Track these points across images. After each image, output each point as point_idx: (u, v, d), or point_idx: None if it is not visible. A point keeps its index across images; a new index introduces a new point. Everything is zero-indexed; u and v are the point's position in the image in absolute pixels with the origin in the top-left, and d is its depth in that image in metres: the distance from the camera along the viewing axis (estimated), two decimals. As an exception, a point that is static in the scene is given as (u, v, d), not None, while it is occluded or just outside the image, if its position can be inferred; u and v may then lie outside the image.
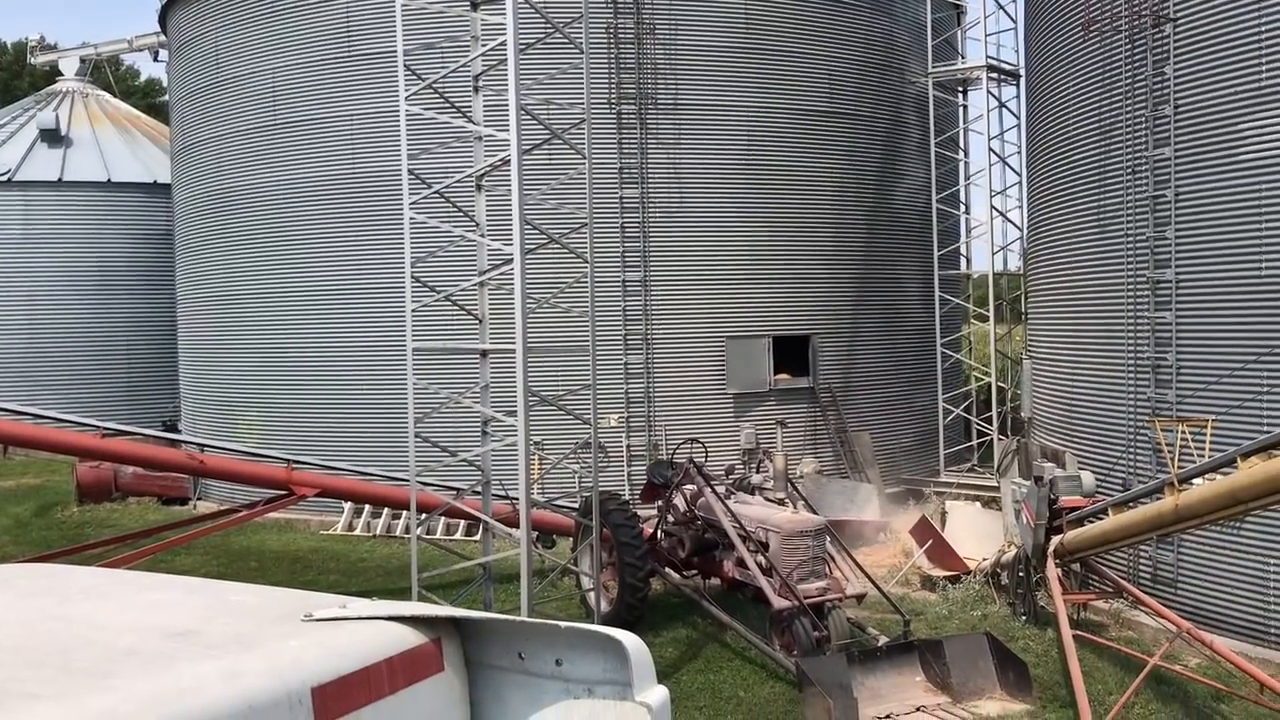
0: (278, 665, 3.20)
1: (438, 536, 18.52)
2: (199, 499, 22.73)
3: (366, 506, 19.49)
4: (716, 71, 20.35)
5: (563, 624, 3.41)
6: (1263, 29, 12.18)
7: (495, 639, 3.62)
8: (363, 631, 3.48)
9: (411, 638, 3.50)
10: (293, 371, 21.46)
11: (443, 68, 11.75)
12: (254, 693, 3.03)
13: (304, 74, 21.16)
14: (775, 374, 20.89)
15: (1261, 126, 12.24)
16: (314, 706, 3.15)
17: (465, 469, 12.51)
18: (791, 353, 21.10)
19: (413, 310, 11.11)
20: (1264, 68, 12.20)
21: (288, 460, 14.88)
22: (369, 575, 16.83)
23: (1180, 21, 13.23)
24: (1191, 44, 13.14)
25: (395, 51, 11.32)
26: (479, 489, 11.89)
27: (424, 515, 13.19)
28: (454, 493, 13.89)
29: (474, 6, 11.59)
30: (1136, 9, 13.86)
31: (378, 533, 19.58)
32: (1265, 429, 10.65)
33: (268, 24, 21.76)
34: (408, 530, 15.93)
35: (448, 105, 11.65)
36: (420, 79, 11.23)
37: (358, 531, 19.81)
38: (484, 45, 11.39)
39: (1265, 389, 11.79)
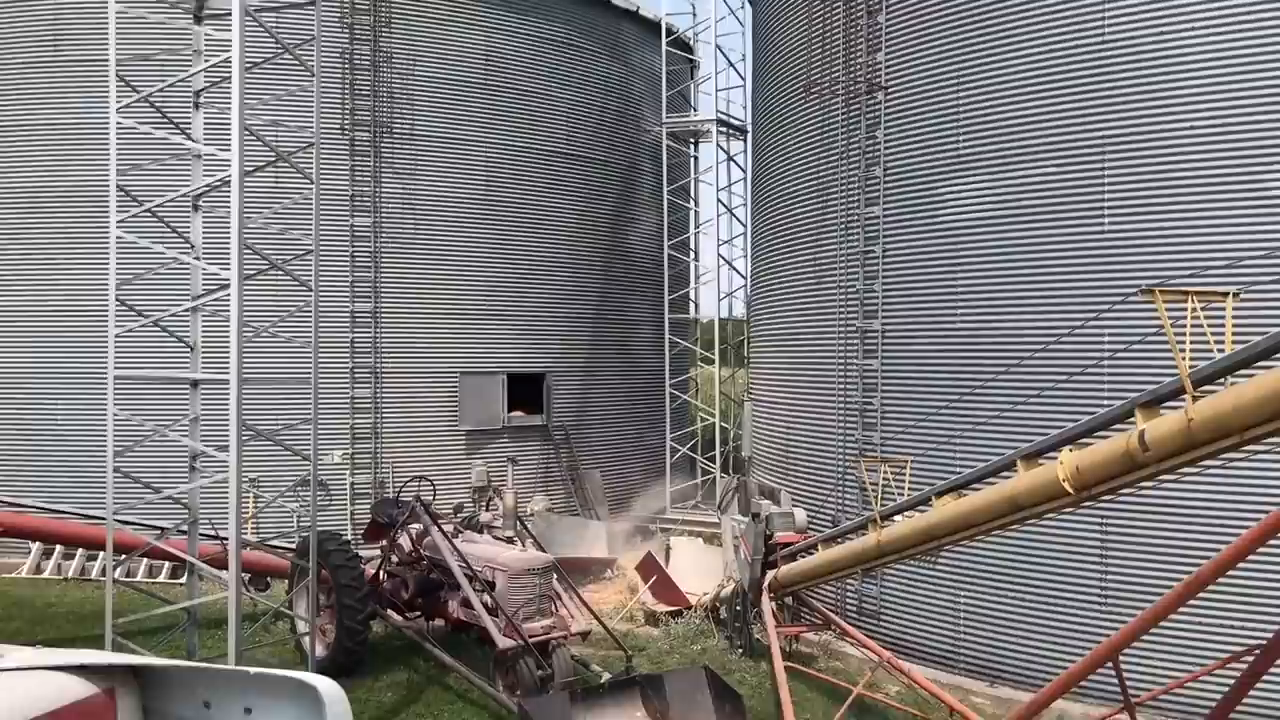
0: (-87, 726, 2.81)
1: (138, 579, 17.20)
2: None
3: (58, 547, 17.89)
4: (456, 105, 20.22)
5: (251, 670, 3.17)
6: (960, 103, 13.29)
7: (178, 687, 3.32)
8: (22, 684, 3.11)
9: (79, 688, 3.16)
10: (-23, 399, 19.49)
11: (161, 80, 11.05)
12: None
13: (1, 76, 19.43)
14: (510, 411, 20.82)
15: (959, 191, 13.33)
16: (-42, 771, 2.78)
17: (171, 506, 11.68)
18: (526, 390, 21.11)
19: (116, 335, 10.32)
20: (961, 138, 13.30)
21: (-36, 497, 13.46)
22: (58, 622, 15.40)
23: (891, 90, 14.26)
24: (900, 112, 14.18)
25: (107, 59, 10.54)
26: (185, 528, 11.14)
27: (122, 556, 12.22)
28: (157, 532, 12.94)
29: (197, 20, 10.99)
30: (853, 75, 14.83)
31: (70, 575, 17.99)
32: (957, 469, 11.50)
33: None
34: (104, 573, 14.71)
35: (164, 120, 10.96)
36: (134, 90, 10.52)
37: (47, 574, 18.12)
38: (207, 60, 10.81)
39: (958, 432, 12.75)
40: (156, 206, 10.55)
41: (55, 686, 3.12)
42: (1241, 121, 11.11)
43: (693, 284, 26.12)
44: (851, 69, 14.86)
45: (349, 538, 15.50)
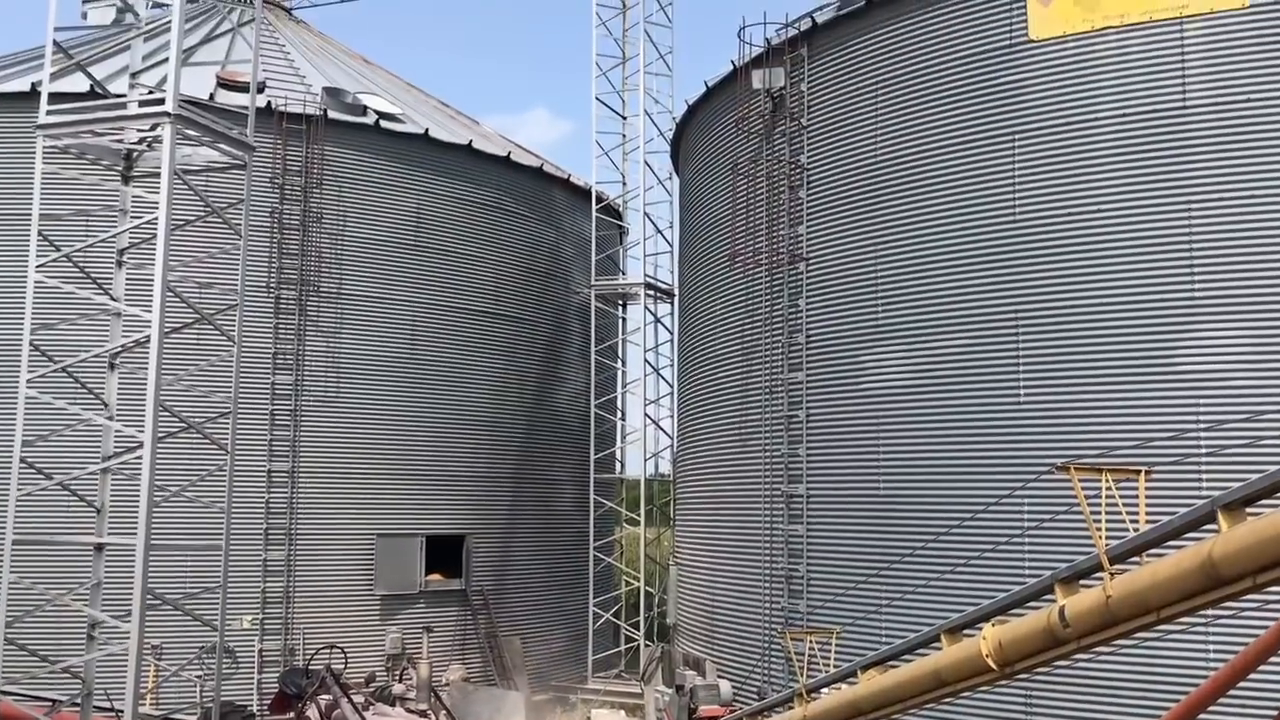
0: None
1: (26, 755, 16.11)
2: None
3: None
4: (384, 263, 20.33)
5: None
6: (879, 273, 13.71)
7: None
8: None
9: None
10: None
11: (85, 239, 10.97)
12: None
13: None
14: (427, 574, 20.29)
15: (880, 359, 13.61)
16: None
17: (64, 678, 11.06)
18: (445, 553, 20.62)
19: (17, 497, 9.93)
20: (880, 307, 13.67)
21: None
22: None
23: (812, 260, 14.68)
24: (821, 281, 14.57)
25: (29, 216, 10.45)
26: (79, 701, 10.51)
27: (8, 732, 11.47)
28: (48, 705, 12.20)
29: (125, 180, 11.00)
30: (776, 246, 15.26)
31: (-49, 751, 16.81)
32: (885, 640, 11.39)
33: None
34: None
35: (86, 278, 10.83)
36: (56, 248, 10.42)
37: (-75, 750, 16.92)
38: (133, 220, 10.78)
39: (885, 602, 12.67)
40: (71, 365, 10.32)
41: None
42: (1151, 296, 11.57)
43: (619, 443, 26.07)
44: (774, 240, 15.30)
45: (254, 710, 14.76)
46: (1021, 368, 12.21)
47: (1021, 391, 12.18)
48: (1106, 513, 6.27)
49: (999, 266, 12.52)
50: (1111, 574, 6.12)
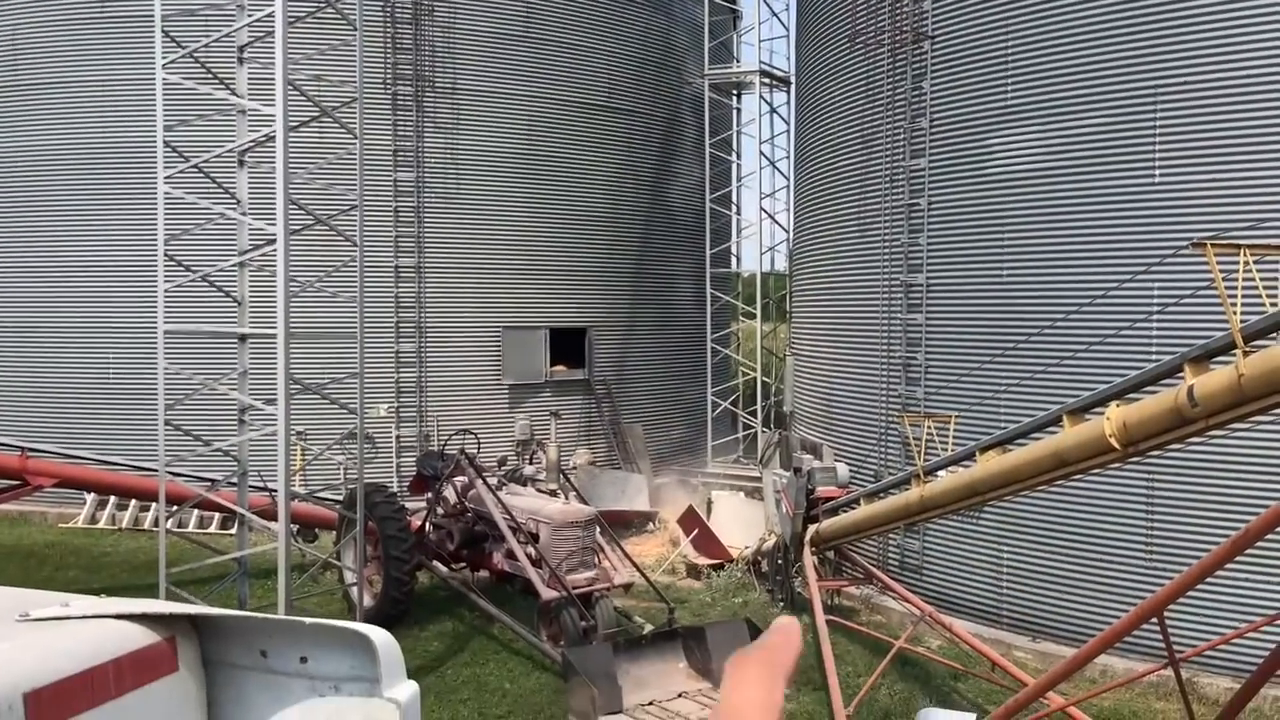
0: (-15, 670, 2.90)
1: (190, 530, 17.57)
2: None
3: (111, 498, 18.29)
4: (496, 58, 20.15)
5: (307, 620, 3.24)
6: (1009, 52, 13.05)
7: (236, 636, 3.41)
8: (85, 631, 3.21)
9: (141, 637, 3.25)
10: (30, 351, 19.85)
11: (205, 36, 11.09)
12: (-45, 701, 2.74)
13: (49, 33, 19.59)
14: (552, 365, 20.91)
15: (1007, 143, 13.12)
16: (27, 713, 2.88)
17: (221, 459, 11.88)
18: (568, 345, 21.18)
19: (165, 290, 10.46)
20: (1010, 88, 13.08)
21: (22, 448, 13.76)
22: (113, 571, 15.79)
23: (937, 39, 14.02)
24: (947, 62, 13.95)
25: (152, 15, 10.60)
26: (235, 480, 11.33)
27: (174, 507, 12.47)
28: (208, 484, 13.18)
29: (240, -28, 10.99)
30: (899, 25, 14.59)
31: (124, 526, 18.41)
32: (1002, 425, 11.43)
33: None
34: (156, 523, 15.02)
35: (209, 75, 11.02)
36: (180, 46, 10.57)
37: (101, 524, 18.56)
38: (250, 15, 10.83)
39: (1003, 388, 12.65)
40: (203, 163, 10.63)
41: (119, 634, 3.22)
42: (1300, 69, 10.83)
43: (734, 238, 25.98)
44: (898, 18, 14.62)
45: (395, 490, 15.70)
46: (1158, 145, 11.65)
47: (1157, 171, 11.66)
48: (1243, 292, 6.10)
49: (1138, 37, 11.78)
50: (1245, 351, 6.00)
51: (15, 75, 19.85)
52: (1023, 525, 12.80)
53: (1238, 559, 6.55)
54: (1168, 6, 11.58)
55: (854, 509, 12.49)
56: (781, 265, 26.54)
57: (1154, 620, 6.83)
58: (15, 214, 19.95)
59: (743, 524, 16.96)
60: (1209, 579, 6.74)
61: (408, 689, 3.18)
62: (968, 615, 13.22)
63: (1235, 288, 6.08)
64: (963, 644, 11.16)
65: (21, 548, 17.08)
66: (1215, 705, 10.58)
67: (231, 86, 10.94)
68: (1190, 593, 7.04)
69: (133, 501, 18.21)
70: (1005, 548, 13.06)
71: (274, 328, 10.05)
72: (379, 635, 3.18)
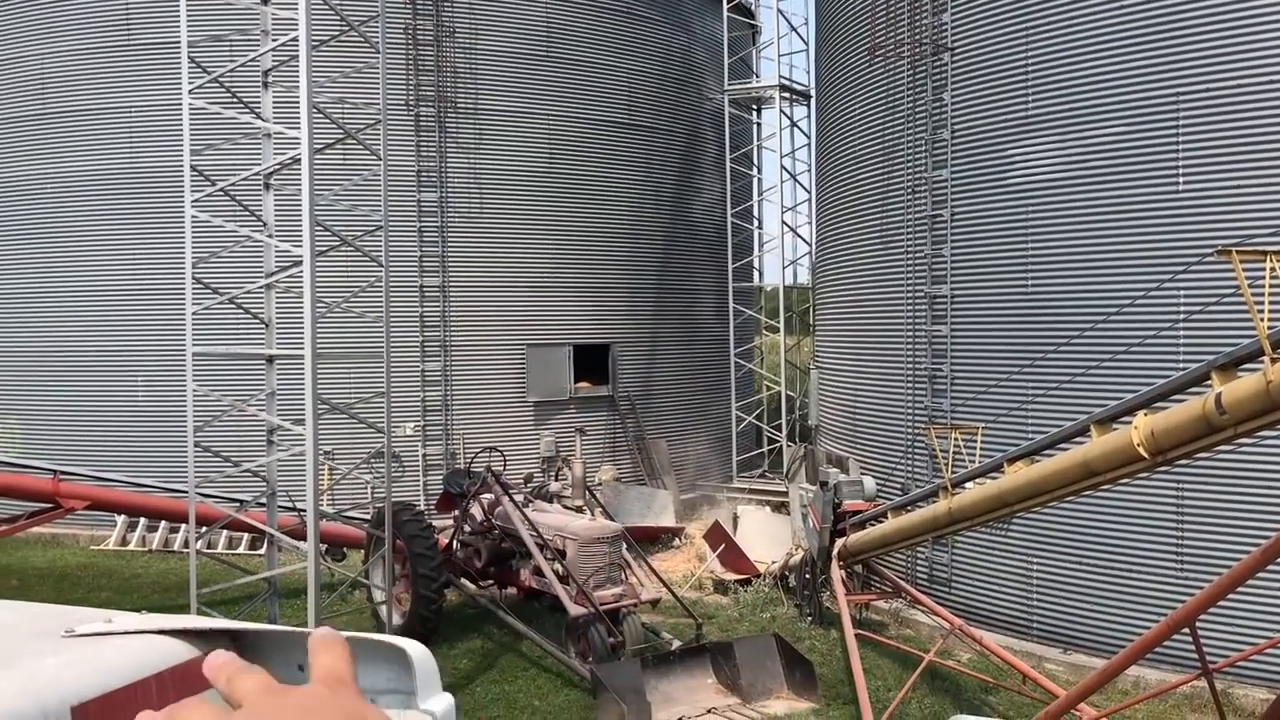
0: (34, 684, 2.95)
1: (219, 550, 17.70)
2: (-48, 514, 20.95)
3: (142, 520, 18.44)
4: (517, 78, 20.30)
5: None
6: (1029, 62, 13.05)
7: (274, 651, 3.45)
8: (129, 646, 3.26)
9: (183, 651, 3.29)
10: (61, 375, 20.09)
11: (230, 61, 11.25)
12: (7, 715, 2.79)
13: (76, 62, 19.89)
14: (575, 382, 20.98)
15: (1029, 153, 13.11)
16: (72, 728, 2.93)
17: (249, 479, 11.99)
18: (592, 361, 21.24)
19: (193, 312, 10.58)
20: (1030, 97, 13.07)
21: (54, 470, 13.91)
22: (144, 591, 15.91)
23: (957, 51, 14.04)
24: (967, 72, 13.96)
25: (179, 42, 10.75)
26: (264, 500, 11.42)
27: (204, 528, 12.58)
28: (237, 505, 13.29)
29: (264, 1, 11.15)
30: (918, 37, 14.62)
31: (154, 547, 18.55)
32: (1029, 435, 11.39)
33: (32, 5, 20.35)
34: (186, 544, 15.14)
35: (235, 100, 11.16)
36: (206, 72, 10.72)
37: (132, 546, 18.71)
38: (274, 40, 10.98)
39: (1029, 398, 12.61)
40: (229, 186, 10.76)
41: (162, 649, 3.26)
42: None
43: (756, 252, 26.01)
44: (917, 30, 14.65)
45: (422, 508, 15.77)
46: (1181, 152, 11.61)
47: (1181, 178, 11.62)
48: (1270, 298, 6.08)
49: (1158, 44, 11.77)
50: (1273, 359, 5.98)
51: (43, 102, 20.15)
52: (1052, 536, 12.73)
53: (1270, 567, 6.51)
54: (1187, 11, 11.56)
55: (881, 522, 12.45)
56: (804, 278, 26.56)
57: (1186, 630, 6.79)
58: (44, 239, 20.22)
59: (769, 539, 16.94)
60: (1241, 588, 6.70)
61: (443, 701, 3.21)
62: (998, 628, 13.15)
63: (1262, 294, 6.06)
64: (993, 657, 11.10)
65: (55, 570, 17.24)
66: (1250, 716, 10.48)
67: (257, 111, 11.08)
68: (1222, 602, 7.00)
69: (163, 523, 18.36)
70: (1035, 559, 12.99)
71: (301, 348, 10.14)
72: (415, 648, 3.22)
